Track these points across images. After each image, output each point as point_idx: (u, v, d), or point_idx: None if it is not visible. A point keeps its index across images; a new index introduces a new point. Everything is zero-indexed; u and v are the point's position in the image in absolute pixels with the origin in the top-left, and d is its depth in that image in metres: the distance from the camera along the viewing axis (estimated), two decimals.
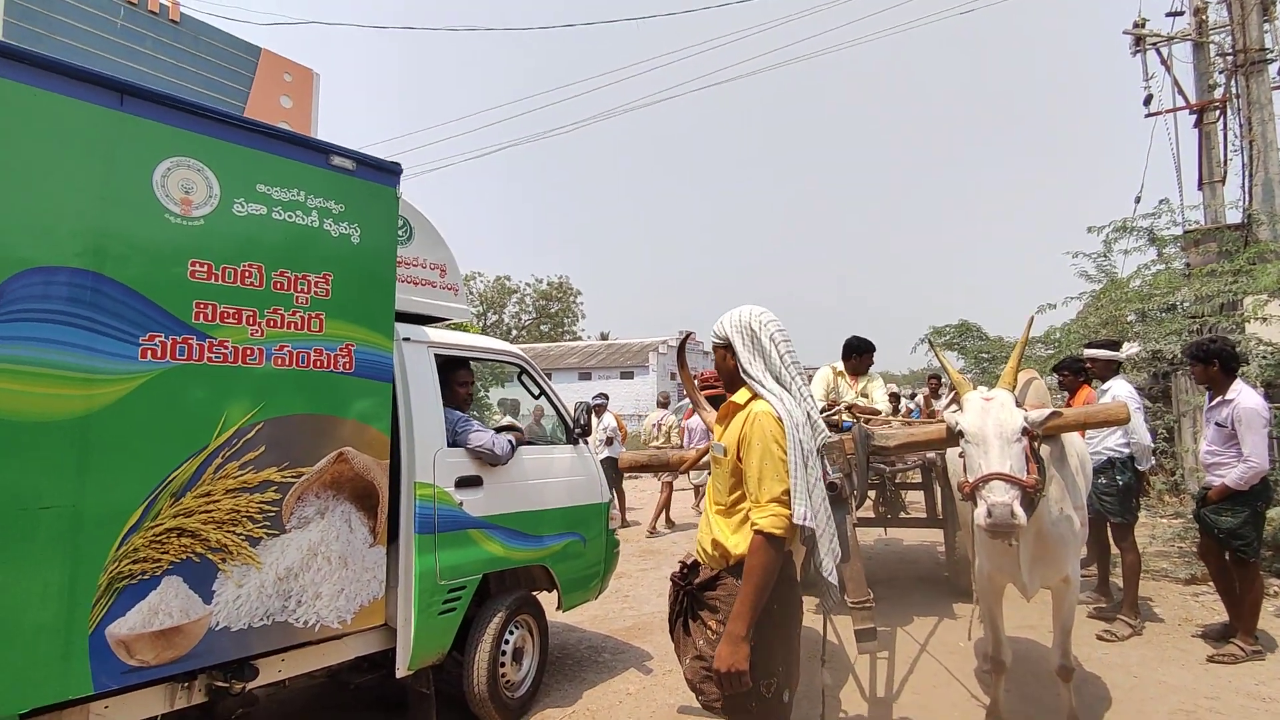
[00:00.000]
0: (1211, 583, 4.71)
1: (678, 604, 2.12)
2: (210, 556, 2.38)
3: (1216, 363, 4.26)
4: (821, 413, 4.29)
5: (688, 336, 3.55)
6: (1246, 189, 7.34)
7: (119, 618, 2.19)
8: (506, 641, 3.42)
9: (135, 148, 2.26)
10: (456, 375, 3.50)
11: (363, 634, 2.90)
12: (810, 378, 3.76)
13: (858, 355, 5.31)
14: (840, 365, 5.40)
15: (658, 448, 7.68)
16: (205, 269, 2.38)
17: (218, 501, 2.40)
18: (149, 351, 2.26)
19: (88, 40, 6.09)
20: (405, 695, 3.24)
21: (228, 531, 2.42)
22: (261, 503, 2.50)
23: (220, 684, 2.51)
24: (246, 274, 2.48)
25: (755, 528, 1.84)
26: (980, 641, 3.86)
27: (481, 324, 36.73)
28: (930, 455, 5.17)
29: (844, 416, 3.69)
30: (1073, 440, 3.14)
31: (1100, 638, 4.51)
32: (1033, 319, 3.31)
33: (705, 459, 2.82)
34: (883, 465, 5.11)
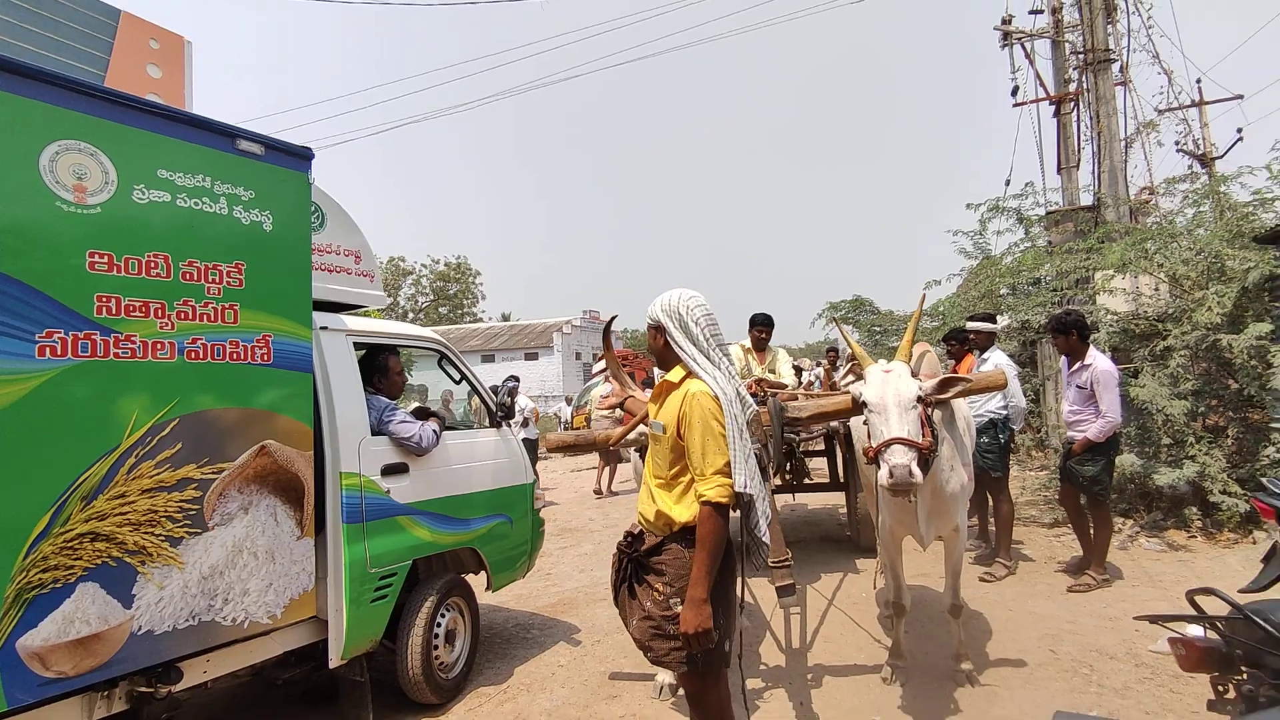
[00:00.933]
0: (1070, 525, 5.39)
1: (622, 570, 2.28)
2: (128, 560, 2.31)
3: (1075, 333, 4.85)
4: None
5: (613, 319, 3.63)
6: (1096, 175, 8.32)
7: (31, 629, 2.11)
8: (439, 625, 3.48)
9: (17, 129, 2.12)
10: (389, 362, 3.49)
11: (293, 627, 2.89)
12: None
13: (755, 329, 5.87)
14: (748, 343, 5.83)
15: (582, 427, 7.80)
16: (106, 260, 2.28)
17: (133, 503, 2.32)
18: (47, 349, 2.15)
19: None
20: (335, 686, 3.25)
21: (146, 533, 2.35)
22: (181, 501, 2.44)
23: (143, 689, 2.45)
24: (152, 264, 2.38)
25: (703, 499, 2.00)
26: (881, 591, 4.23)
27: (385, 304, 35.21)
28: (834, 424, 5.60)
29: (756, 390, 3.97)
30: (959, 405, 3.43)
31: (981, 579, 5.08)
32: (925, 295, 3.54)
33: (634, 435, 2.93)
34: (792, 435, 5.49)
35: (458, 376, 4.06)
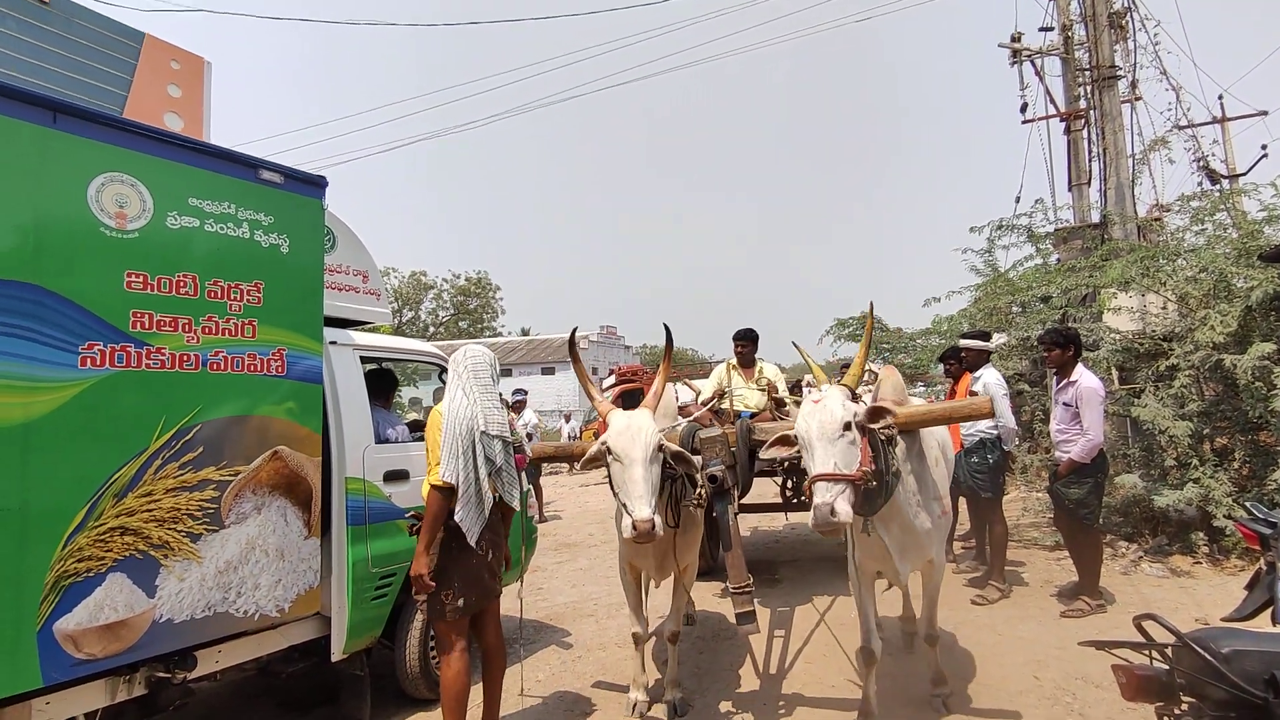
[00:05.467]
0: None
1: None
2: (153, 553, 2.64)
3: (1073, 347, 4.94)
4: (706, 403, 4.81)
5: (574, 330, 3.78)
6: (1102, 192, 8.59)
7: (66, 613, 2.43)
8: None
9: (69, 164, 2.48)
10: (384, 378, 3.83)
11: (298, 623, 3.20)
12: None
13: (738, 344, 5.90)
14: (734, 360, 5.91)
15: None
16: (141, 279, 2.63)
17: (159, 500, 2.65)
18: (88, 359, 2.49)
19: None
20: (330, 688, 3.55)
21: (169, 529, 2.68)
22: (201, 500, 2.77)
23: (162, 674, 2.77)
24: (181, 284, 2.73)
25: (430, 483, 2.83)
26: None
27: (398, 321, 35.83)
28: None
29: (708, 419, 3.91)
30: (932, 434, 3.33)
31: (974, 602, 5.19)
32: (872, 305, 3.40)
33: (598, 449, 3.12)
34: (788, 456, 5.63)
35: None
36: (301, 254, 3.14)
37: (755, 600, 3.39)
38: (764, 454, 3.13)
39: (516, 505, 3.16)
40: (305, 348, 3.14)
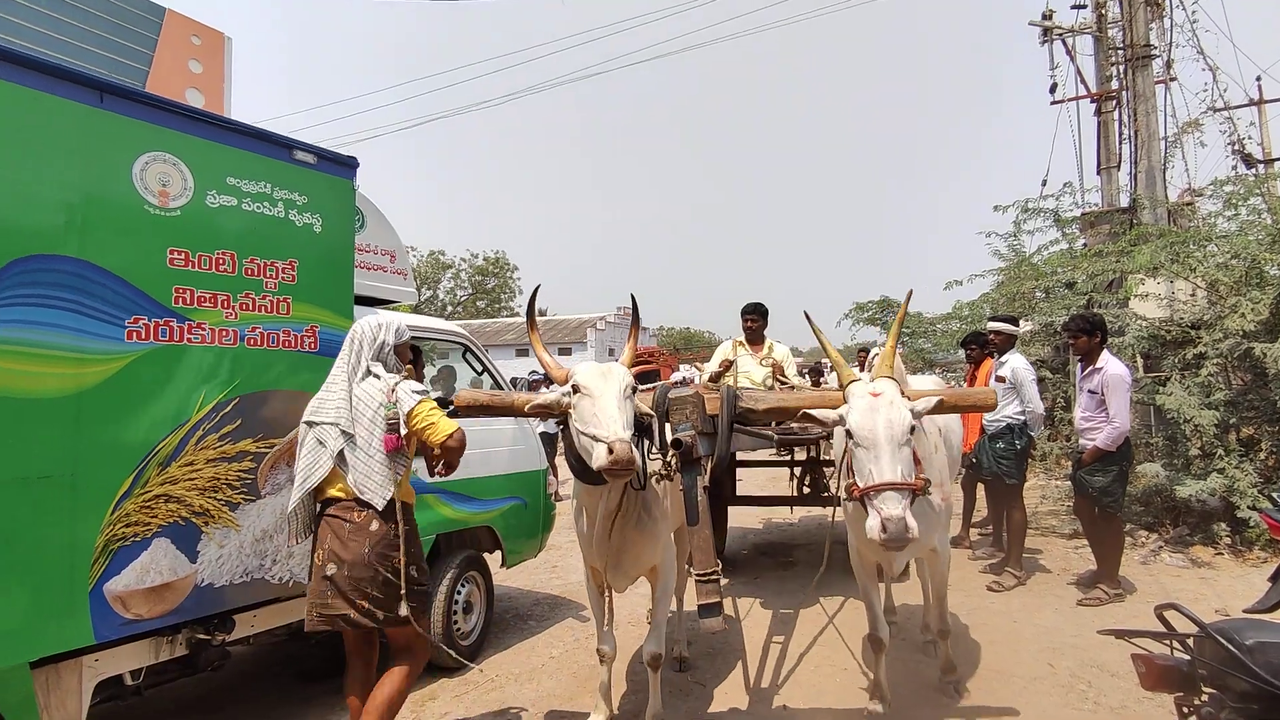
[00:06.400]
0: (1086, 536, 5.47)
1: None
2: (194, 520, 2.77)
3: (1099, 334, 4.94)
4: (714, 379, 4.72)
5: (535, 291, 3.29)
6: (1132, 175, 8.48)
7: (115, 575, 2.57)
8: (458, 595, 3.94)
9: (115, 143, 2.58)
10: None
11: None
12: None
13: (747, 318, 5.68)
14: (741, 337, 5.74)
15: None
16: (183, 256, 2.74)
17: (200, 470, 2.78)
18: (134, 333, 2.61)
19: None
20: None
21: (209, 497, 2.81)
22: (239, 471, 2.90)
23: (202, 636, 2.92)
24: (220, 261, 2.84)
25: None
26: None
27: (417, 300, 36.31)
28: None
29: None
30: (930, 419, 3.07)
31: (989, 589, 5.23)
32: (910, 294, 3.29)
33: (549, 400, 2.79)
34: (809, 443, 5.32)
35: (480, 368, 4.49)
36: (333, 233, 3.24)
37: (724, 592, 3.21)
38: (794, 423, 2.96)
39: (377, 502, 2.62)
40: (336, 324, 3.24)
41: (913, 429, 2.52)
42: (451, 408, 3.86)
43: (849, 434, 2.58)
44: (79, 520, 2.48)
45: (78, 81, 2.49)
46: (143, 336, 2.63)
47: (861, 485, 2.48)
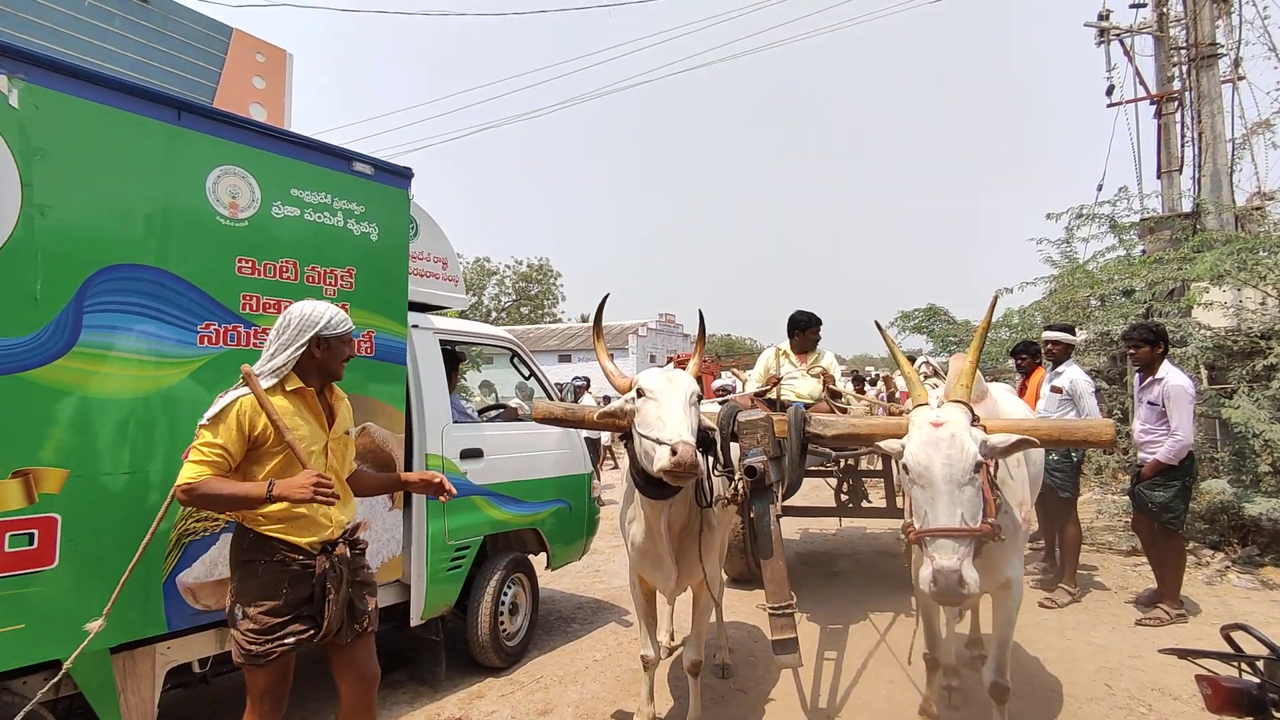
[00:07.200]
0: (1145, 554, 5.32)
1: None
2: None
3: (1161, 344, 4.78)
4: (759, 394, 4.63)
5: (603, 299, 3.34)
6: (1196, 179, 8.18)
7: (186, 568, 2.72)
8: (504, 597, 4.04)
9: (191, 158, 2.75)
10: (449, 360, 4.07)
11: (382, 588, 3.45)
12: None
13: (800, 331, 5.33)
14: (785, 345, 5.44)
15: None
16: (250, 265, 2.89)
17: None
18: (205, 338, 2.77)
19: (56, 19, 6.34)
20: (412, 646, 3.81)
21: None
22: None
23: None
24: (284, 269, 2.99)
25: None
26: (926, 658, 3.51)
27: (466, 306, 37.46)
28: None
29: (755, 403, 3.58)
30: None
31: (1042, 605, 5.09)
32: (996, 300, 2.98)
33: (610, 411, 2.83)
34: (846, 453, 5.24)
35: (527, 373, 4.60)
36: (389, 241, 3.37)
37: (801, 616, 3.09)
38: (837, 443, 2.84)
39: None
40: (391, 330, 3.37)
41: (979, 465, 2.21)
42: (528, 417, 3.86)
43: (904, 469, 2.35)
44: (154, 515, 2.62)
45: (158, 100, 2.66)
46: (213, 341, 2.78)
47: (918, 527, 2.25)
